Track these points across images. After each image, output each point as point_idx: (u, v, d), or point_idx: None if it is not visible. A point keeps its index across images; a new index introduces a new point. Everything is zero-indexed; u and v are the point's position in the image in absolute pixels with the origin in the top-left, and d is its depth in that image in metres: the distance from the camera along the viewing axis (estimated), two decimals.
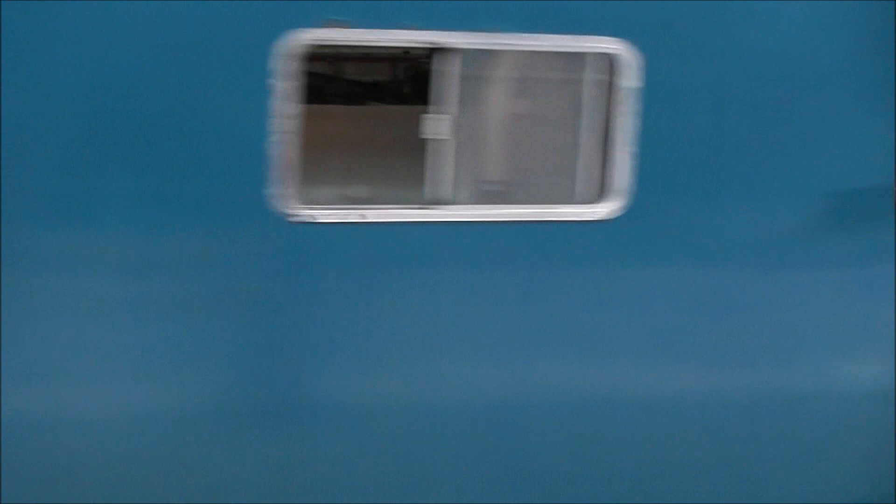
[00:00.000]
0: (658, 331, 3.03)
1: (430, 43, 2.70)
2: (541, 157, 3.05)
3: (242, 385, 2.76)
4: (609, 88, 2.86)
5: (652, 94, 2.86)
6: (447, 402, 2.94)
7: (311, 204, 2.71)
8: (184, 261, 2.67)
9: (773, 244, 3.10)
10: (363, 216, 2.76)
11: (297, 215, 2.67)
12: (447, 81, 2.74)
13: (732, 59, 2.96)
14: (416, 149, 2.81)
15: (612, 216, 2.91)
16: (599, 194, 2.92)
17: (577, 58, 2.88)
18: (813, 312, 3.18)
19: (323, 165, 2.83)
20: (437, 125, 2.76)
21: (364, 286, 2.79)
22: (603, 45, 2.81)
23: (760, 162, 3.06)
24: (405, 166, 2.91)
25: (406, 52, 2.90)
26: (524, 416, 3.02)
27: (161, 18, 2.50)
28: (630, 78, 2.83)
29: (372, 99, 3.12)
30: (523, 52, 2.83)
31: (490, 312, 2.88)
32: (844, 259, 3.17)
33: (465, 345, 2.89)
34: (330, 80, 3.26)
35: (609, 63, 2.84)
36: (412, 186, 2.85)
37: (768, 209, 3.08)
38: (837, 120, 3.11)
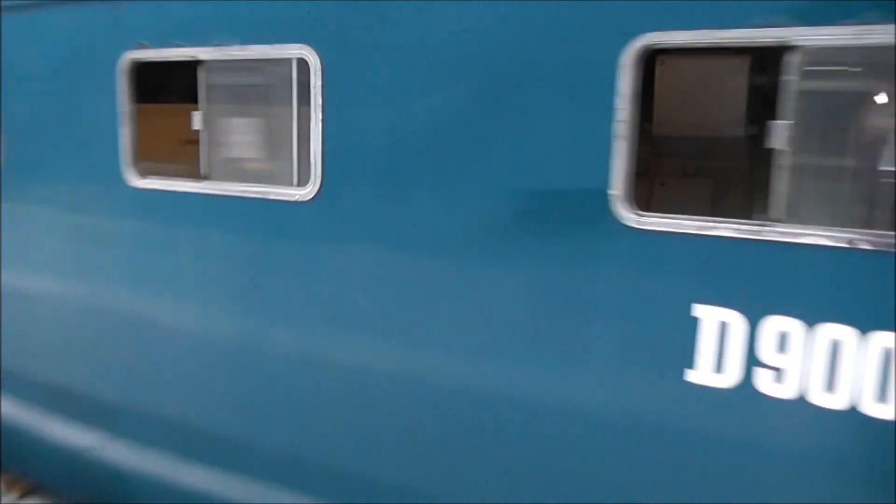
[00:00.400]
0: (333, 299, 3.34)
1: (192, 57, 3.60)
2: (269, 147, 3.59)
3: None
4: (304, 89, 3.29)
5: (333, 93, 3.20)
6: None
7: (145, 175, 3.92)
8: None
9: (452, 236, 3.04)
10: (166, 185, 3.85)
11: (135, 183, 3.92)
12: (200, 86, 3.61)
13: (410, 62, 3.04)
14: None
15: (309, 198, 3.35)
16: (303, 179, 3.38)
17: (284, 63, 3.37)
18: (477, 307, 3.02)
19: (147, 148, 3.97)
20: (196, 120, 3.65)
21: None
22: (295, 52, 3.27)
23: (441, 158, 3.04)
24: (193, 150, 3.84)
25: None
26: (262, 361, 3.69)
27: None
28: (316, 78, 3.22)
29: (183, 99, 4.04)
30: (250, 59, 3.46)
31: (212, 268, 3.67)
32: (530, 259, 2.90)
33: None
34: (158, 84, 4.30)
35: (302, 67, 3.28)
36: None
37: (449, 203, 3.04)
38: (527, 122, 2.85)
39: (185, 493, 3.96)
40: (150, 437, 4.14)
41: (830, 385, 2.47)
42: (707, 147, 3.55)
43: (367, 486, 3.41)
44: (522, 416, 3.03)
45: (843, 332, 2.43)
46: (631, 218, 2.69)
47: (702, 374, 2.65)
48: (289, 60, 3.35)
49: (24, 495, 5.22)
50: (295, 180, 3.42)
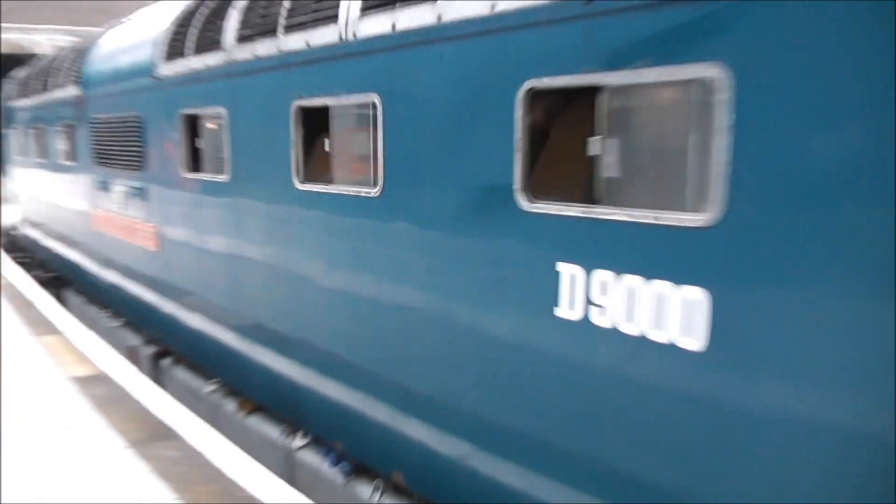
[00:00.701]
0: (385, 263, 5.10)
1: (324, 104, 5.66)
2: (361, 162, 5.41)
3: None
4: (374, 123, 5.13)
5: (388, 125, 4.99)
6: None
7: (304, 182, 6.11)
8: None
9: (444, 220, 4.60)
10: (311, 188, 5.98)
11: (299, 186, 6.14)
12: (329, 122, 5.66)
13: (414, 104, 4.72)
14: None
15: (377, 195, 5.18)
16: (375, 182, 5.21)
17: (368, 106, 5.21)
18: (456, 269, 4.52)
19: (315, 160, 6.11)
20: (326, 145, 5.71)
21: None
22: (371, 98, 5.13)
23: (430, 168, 4.64)
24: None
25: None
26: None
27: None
28: (379, 115, 5.05)
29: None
30: (352, 104, 5.39)
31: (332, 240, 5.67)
32: (480, 235, 4.34)
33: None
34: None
35: (374, 107, 5.12)
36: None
37: (437, 197, 4.62)
38: (473, 141, 4.34)
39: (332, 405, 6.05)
40: (314, 356, 6.33)
41: (630, 318, 3.55)
42: None
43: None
44: (473, 339, 4.47)
45: (636, 281, 3.51)
46: (525, 204, 4.01)
47: (563, 310, 3.87)
48: (368, 104, 5.21)
49: (251, 412, 7.74)
50: (372, 183, 5.26)
